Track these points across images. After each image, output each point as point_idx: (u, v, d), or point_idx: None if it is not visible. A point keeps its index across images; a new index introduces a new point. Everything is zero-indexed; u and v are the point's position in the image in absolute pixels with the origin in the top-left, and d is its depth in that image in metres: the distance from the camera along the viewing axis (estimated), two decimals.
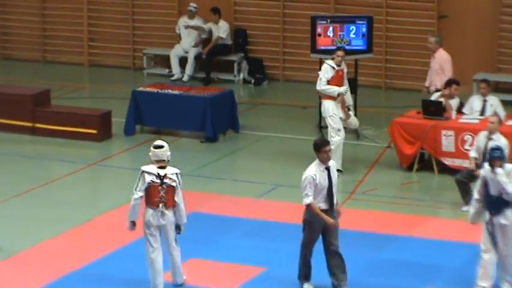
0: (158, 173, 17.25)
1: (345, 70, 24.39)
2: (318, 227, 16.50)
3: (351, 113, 24.51)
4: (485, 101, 24.19)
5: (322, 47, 26.61)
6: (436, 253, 19.76)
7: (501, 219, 16.84)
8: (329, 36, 26.53)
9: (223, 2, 32.88)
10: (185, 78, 31.66)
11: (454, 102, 24.58)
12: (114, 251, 19.49)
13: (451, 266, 18.98)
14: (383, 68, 29.14)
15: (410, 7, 30.86)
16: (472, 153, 21.61)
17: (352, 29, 26.55)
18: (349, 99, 24.60)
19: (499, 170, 16.82)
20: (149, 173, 17.29)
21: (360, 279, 17.60)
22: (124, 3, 34.48)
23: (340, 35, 26.51)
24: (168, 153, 17.57)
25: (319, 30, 26.51)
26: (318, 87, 24.03)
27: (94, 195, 23.39)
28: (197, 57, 32.06)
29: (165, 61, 32.62)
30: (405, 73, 28.46)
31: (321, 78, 23.92)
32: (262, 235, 20.55)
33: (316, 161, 16.81)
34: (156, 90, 27.42)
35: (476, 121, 23.67)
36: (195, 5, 32.15)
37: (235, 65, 32.03)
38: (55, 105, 27.85)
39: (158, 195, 17.30)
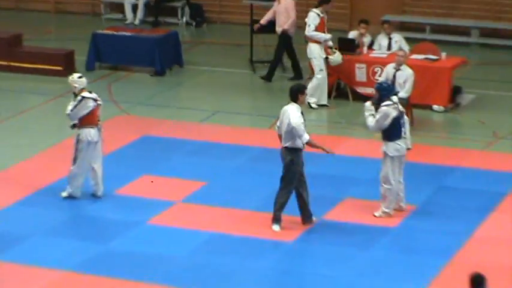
0: (94, 97, 17.87)
1: (326, 17, 23.99)
2: (299, 164, 16.21)
3: (335, 51, 24.01)
4: (390, 38, 24.24)
5: None
6: (352, 168, 19.82)
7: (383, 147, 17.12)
8: None
9: None
10: (137, 22, 31.63)
11: (366, 40, 24.48)
12: None
13: (366, 178, 18.97)
14: (302, 7, 28.30)
15: None
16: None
17: None
18: (330, 42, 24.21)
19: (366, 104, 17.20)
20: (90, 98, 17.81)
21: None
22: None
23: None
24: None
25: None
26: (308, 33, 23.69)
27: (61, 123, 22.94)
28: (146, 4, 31.88)
29: (120, 8, 32.10)
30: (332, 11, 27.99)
31: (309, 25, 23.57)
32: (204, 154, 20.40)
33: (296, 106, 16.07)
34: (112, 32, 27.27)
35: (385, 55, 23.74)
36: None
37: (179, 10, 31.78)
38: (27, 46, 27.67)
39: (97, 114, 17.86)
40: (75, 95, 17.87)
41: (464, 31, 27.64)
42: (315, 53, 23.54)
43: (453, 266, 15.34)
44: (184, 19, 30.96)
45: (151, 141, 21.18)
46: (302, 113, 16.07)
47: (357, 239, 16.53)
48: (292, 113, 15.89)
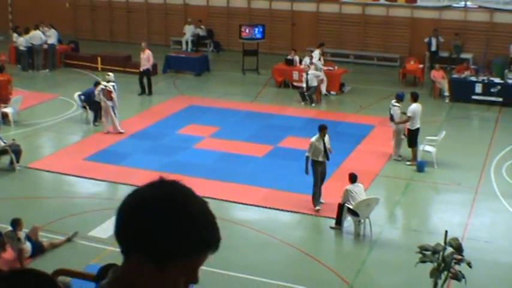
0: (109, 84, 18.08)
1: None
2: (318, 169, 13.48)
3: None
4: (310, 59, 22.99)
5: (244, 36, 25.57)
6: (291, 121, 19.46)
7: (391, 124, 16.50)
8: (247, 32, 25.50)
9: None
10: (188, 50, 29.96)
11: (298, 58, 23.78)
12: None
13: (298, 127, 18.55)
14: (268, 44, 27.83)
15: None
16: (304, 83, 21.22)
17: (257, 28, 25.51)
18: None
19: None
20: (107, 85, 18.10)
21: None
22: None
23: (251, 31, 25.56)
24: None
25: (243, 29, 25.47)
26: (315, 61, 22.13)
27: (145, 96, 22.65)
28: (192, 41, 29.91)
29: (179, 43, 30.47)
30: (282, 44, 27.51)
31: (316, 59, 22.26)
32: (219, 114, 20.06)
33: (316, 136, 13.43)
34: (175, 54, 26.16)
35: (307, 68, 22.75)
36: None
37: (208, 44, 30.37)
38: (133, 61, 24.89)
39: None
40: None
41: (347, 55, 27.28)
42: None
43: (341, 169, 15.32)
44: (210, 48, 29.56)
45: (194, 108, 20.66)
46: (323, 142, 13.45)
47: (291, 154, 16.44)
48: (312, 139, 13.55)
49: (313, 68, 21.52)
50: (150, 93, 22.16)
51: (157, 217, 1.82)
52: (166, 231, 1.82)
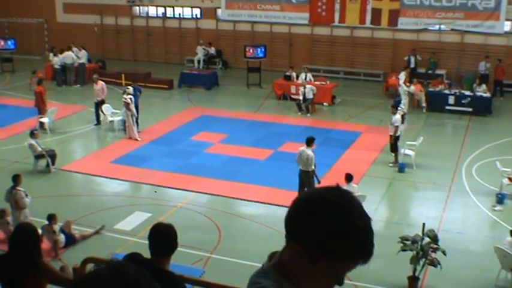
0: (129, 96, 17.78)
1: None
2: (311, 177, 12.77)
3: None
4: (306, 75, 23.28)
5: (248, 55, 25.57)
6: (288, 129, 19.34)
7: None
8: (251, 52, 25.50)
9: None
10: (200, 67, 29.83)
11: (295, 75, 23.76)
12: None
13: (295, 133, 18.51)
14: (269, 62, 27.85)
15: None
16: (300, 96, 21.14)
17: (260, 49, 25.51)
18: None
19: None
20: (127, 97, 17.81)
21: None
22: None
23: (255, 51, 25.55)
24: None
25: (247, 49, 25.48)
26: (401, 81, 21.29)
27: (167, 109, 22.55)
28: (204, 60, 29.94)
29: (192, 61, 30.56)
30: (281, 62, 27.48)
31: (401, 78, 21.42)
32: (227, 122, 19.90)
33: (311, 148, 12.86)
34: (189, 71, 26.06)
35: (304, 82, 22.69)
36: None
37: (217, 62, 30.37)
38: (153, 77, 25.44)
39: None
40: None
41: (337, 71, 27.18)
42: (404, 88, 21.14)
43: (333, 170, 15.28)
44: (219, 66, 29.57)
45: (206, 118, 20.59)
46: (313, 151, 13.00)
47: (289, 158, 16.31)
48: (309, 152, 12.88)
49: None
50: (98, 122, 19.48)
51: (322, 218, 1.76)
52: (326, 233, 1.75)
